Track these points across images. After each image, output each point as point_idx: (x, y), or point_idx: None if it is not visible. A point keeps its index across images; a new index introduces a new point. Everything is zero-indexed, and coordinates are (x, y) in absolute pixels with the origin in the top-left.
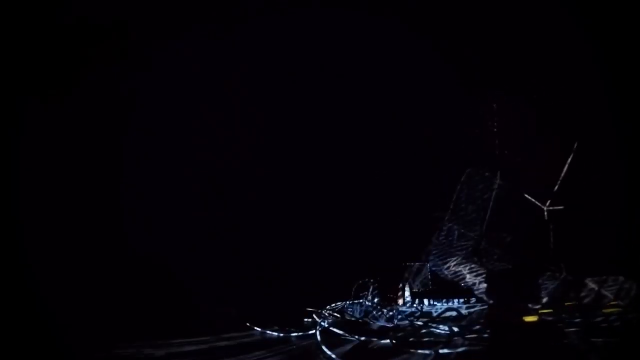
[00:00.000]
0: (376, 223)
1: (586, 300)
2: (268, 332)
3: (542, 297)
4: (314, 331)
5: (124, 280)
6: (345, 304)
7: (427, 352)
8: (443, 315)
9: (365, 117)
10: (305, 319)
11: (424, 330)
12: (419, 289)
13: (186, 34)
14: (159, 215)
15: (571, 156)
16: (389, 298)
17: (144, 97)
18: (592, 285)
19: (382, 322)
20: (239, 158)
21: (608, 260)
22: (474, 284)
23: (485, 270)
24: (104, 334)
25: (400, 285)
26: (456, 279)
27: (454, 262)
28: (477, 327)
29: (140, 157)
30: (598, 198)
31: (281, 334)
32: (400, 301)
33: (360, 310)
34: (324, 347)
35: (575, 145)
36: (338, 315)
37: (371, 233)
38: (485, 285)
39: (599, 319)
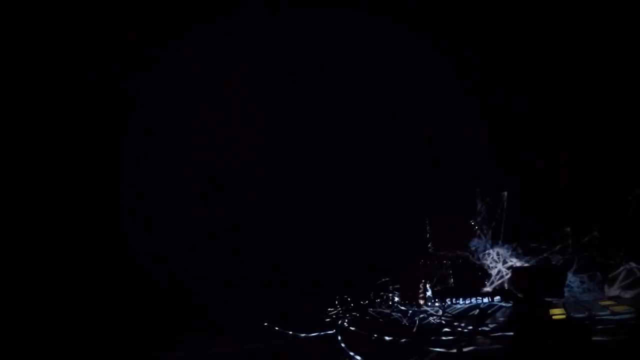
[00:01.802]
0: (376, 223)
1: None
2: (289, 332)
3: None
4: (334, 330)
5: (124, 280)
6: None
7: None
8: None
9: (365, 117)
10: (327, 319)
11: (446, 329)
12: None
13: (186, 34)
14: (159, 215)
15: None
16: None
17: (144, 97)
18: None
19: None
20: (239, 158)
21: (608, 258)
22: (506, 278)
23: (516, 265)
24: (103, 333)
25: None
26: (491, 274)
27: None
28: (501, 324)
29: (140, 157)
30: (598, 198)
31: (302, 334)
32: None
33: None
34: (345, 346)
35: None
36: (358, 315)
37: (371, 233)
38: (514, 280)
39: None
